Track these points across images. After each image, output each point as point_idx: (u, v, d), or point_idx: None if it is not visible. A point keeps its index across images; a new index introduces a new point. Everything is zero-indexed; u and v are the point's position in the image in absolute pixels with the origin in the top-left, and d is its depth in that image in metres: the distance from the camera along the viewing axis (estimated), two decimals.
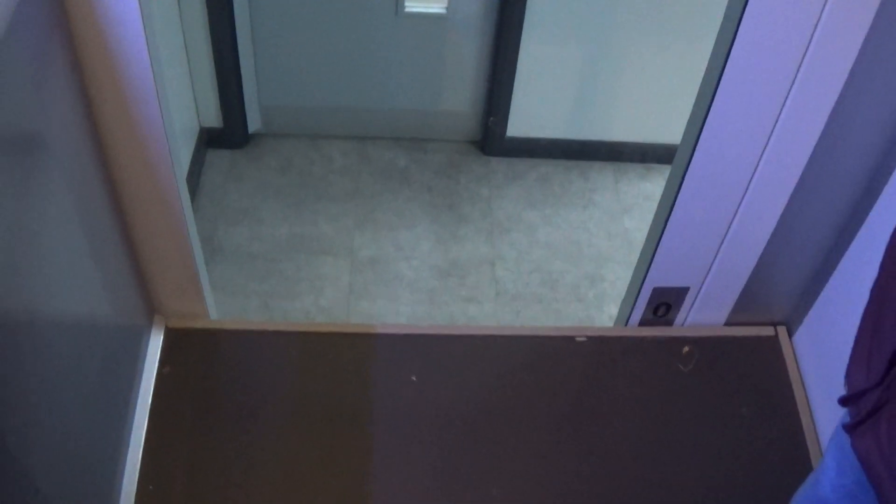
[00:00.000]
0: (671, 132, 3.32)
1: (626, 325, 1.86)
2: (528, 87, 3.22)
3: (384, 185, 3.30)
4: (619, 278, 3.07)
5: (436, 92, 3.34)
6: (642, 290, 1.74)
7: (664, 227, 1.62)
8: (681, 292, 1.76)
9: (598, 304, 3.00)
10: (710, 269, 1.84)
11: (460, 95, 3.35)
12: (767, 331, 2.04)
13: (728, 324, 2.03)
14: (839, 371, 1.72)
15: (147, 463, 1.74)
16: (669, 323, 1.87)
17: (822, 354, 1.89)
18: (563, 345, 2.00)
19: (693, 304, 1.93)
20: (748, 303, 1.99)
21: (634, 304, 1.79)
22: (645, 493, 1.77)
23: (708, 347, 1.99)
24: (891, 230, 1.58)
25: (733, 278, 1.93)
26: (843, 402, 1.23)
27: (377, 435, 1.80)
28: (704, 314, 2.02)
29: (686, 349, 1.99)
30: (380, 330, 2.02)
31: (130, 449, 1.77)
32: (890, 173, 1.62)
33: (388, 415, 1.83)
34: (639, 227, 3.24)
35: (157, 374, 1.87)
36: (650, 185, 3.39)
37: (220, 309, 2.85)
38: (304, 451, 1.77)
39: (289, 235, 3.11)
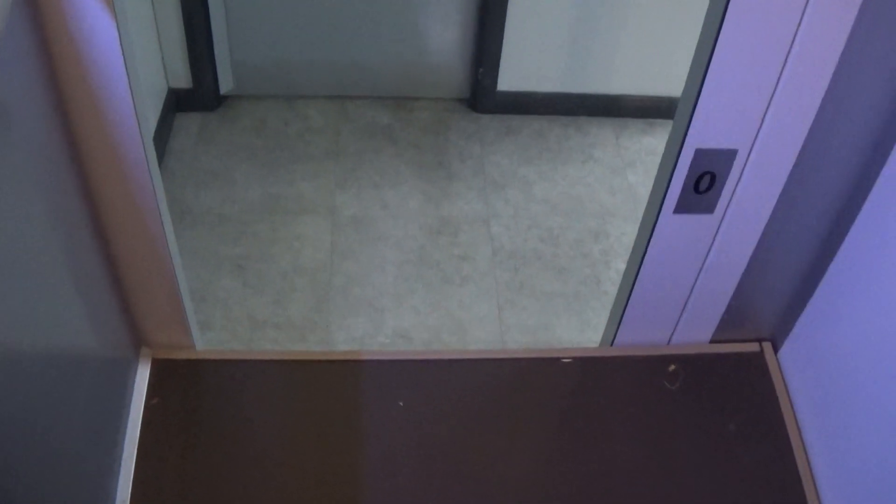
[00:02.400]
0: (674, 84, 3.03)
1: (660, 208, 1.54)
2: (520, 36, 2.91)
3: (366, 144, 2.98)
4: (624, 234, 2.75)
5: (420, 44, 3.02)
6: (682, 155, 1.42)
7: (701, 84, 1.31)
8: (728, 157, 1.44)
9: (605, 261, 2.67)
10: (694, 286, 1.79)
11: (446, 48, 3.03)
12: (753, 347, 1.98)
13: (713, 341, 1.97)
14: (825, 385, 1.73)
15: (137, 495, 1.68)
16: (710, 208, 1.55)
17: (808, 369, 1.83)
18: (548, 366, 1.93)
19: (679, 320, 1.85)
20: (733, 320, 1.92)
21: (672, 176, 1.46)
22: None
23: (693, 365, 1.94)
24: (872, 245, 1.55)
25: (717, 295, 1.85)
26: None
27: (365, 462, 1.74)
28: (690, 332, 1.94)
29: (672, 367, 1.93)
30: (366, 356, 1.93)
31: (120, 481, 1.70)
32: (872, 186, 1.56)
33: (376, 441, 1.77)
34: (643, 182, 2.93)
35: (145, 405, 1.81)
36: (653, 140, 3.08)
37: (188, 276, 2.52)
38: (293, 481, 1.71)
39: (263, 196, 2.78)
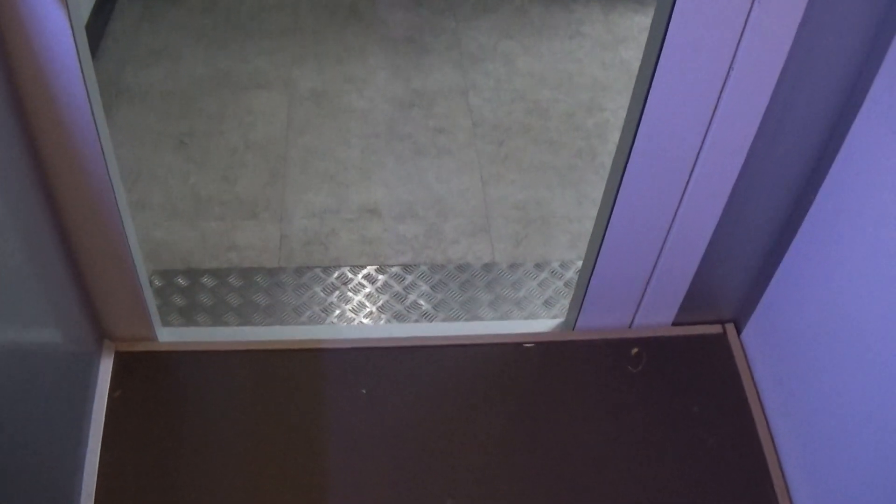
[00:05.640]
0: None
1: None
2: None
3: (328, 21, 2.53)
4: (621, 107, 2.32)
5: None
6: None
7: None
8: None
9: (600, 133, 2.24)
10: (654, 268, 1.69)
11: None
12: (715, 329, 1.89)
13: (675, 324, 1.86)
14: (788, 366, 1.66)
15: (102, 487, 1.59)
16: None
17: (770, 350, 1.75)
18: (510, 352, 1.82)
19: (640, 303, 1.78)
20: (695, 302, 1.81)
21: None
22: (599, 496, 1.61)
23: (656, 348, 1.84)
24: (832, 224, 1.47)
25: (678, 277, 1.73)
26: None
27: (330, 450, 1.65)
28: (651, 315, 1.82)
29: (634, 351, 1.84)
30: (328, 345, 1.81)
31: (85, 474, 1.59)
32: (829, 168, 1.46)
33: (341, 429, 1.69)
34: (638, 57, 2.50)
35: (109, 398, 1.72)
36: (646, 19, 2.65)
37: (124, 153, 2.07)
38: (258, 470, 1.62)
39: (212, 72, 2.33)
